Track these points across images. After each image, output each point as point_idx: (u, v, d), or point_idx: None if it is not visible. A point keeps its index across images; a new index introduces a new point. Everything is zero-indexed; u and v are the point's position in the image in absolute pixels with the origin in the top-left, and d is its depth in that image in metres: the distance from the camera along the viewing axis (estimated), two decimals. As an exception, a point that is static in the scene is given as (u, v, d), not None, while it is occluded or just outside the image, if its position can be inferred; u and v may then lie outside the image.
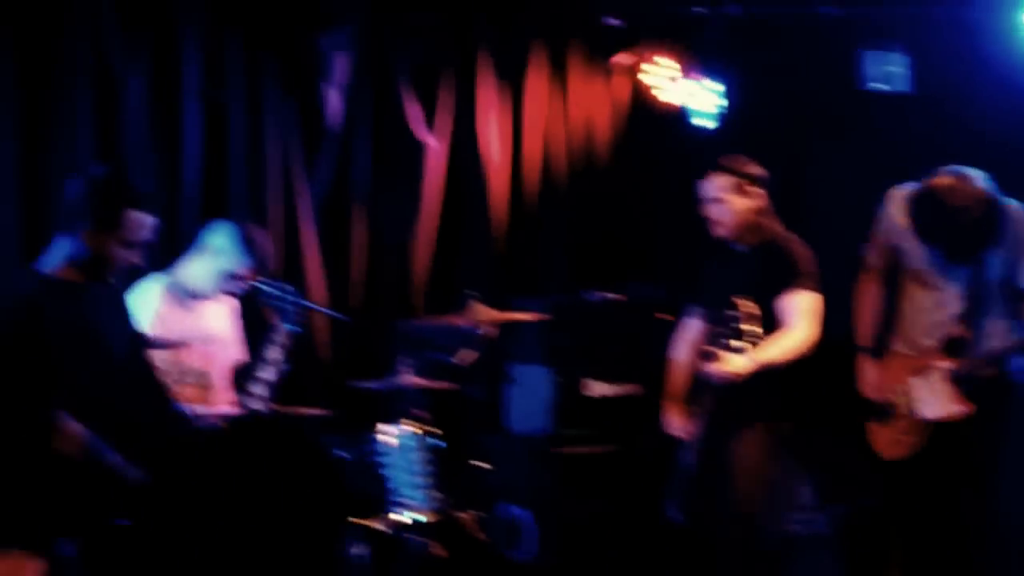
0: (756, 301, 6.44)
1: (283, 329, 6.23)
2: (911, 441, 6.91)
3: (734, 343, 6.33)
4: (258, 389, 6.02)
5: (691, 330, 6.99)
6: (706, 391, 6.62)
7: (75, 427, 5.30)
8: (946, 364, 6.82)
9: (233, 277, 6.70)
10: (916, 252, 6.94)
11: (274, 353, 6.11)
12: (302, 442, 6.38)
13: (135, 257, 5.51)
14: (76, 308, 5.43)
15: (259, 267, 6.74)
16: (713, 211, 6.73)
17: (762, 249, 6.69)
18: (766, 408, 6.65)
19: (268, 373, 6.05)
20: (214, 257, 6.72)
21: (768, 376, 6.51)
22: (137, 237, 5.47)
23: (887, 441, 7.03)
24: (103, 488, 5.36)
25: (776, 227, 6.75)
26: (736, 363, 6.41)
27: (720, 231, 6.73)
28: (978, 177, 6.62)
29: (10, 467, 5.37)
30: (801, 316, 6.51)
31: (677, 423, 6.83)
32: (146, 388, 5.70)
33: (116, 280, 5.65)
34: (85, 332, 5.44)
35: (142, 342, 5.83)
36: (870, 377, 7.05)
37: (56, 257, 5.49)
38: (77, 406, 5.33)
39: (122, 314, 5.78)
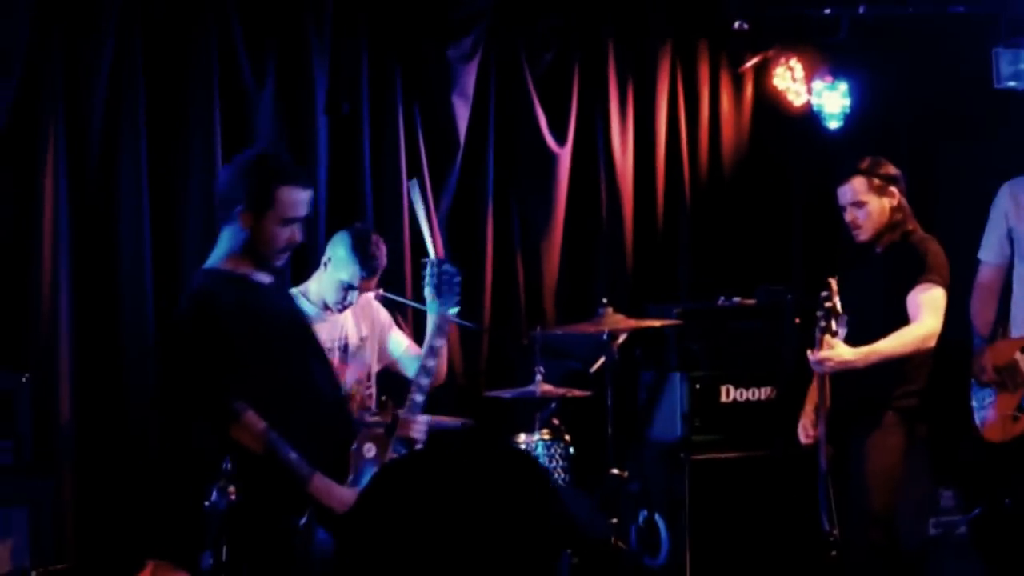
0: (890, 298, 6.49)
1: (437, 335, 6.19)
2: (1021, 420, 6.89)
3: (832, 324, 6.33)
4: (419, 398, 5.98)
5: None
6: (821, 385, 6.60)
7: (254, 418, 5.34)
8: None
9: (350, 287, 6.71)
10: None
11: (430, 361, 6.07)
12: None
13: (296, 235, 5.54)
14: (252, 301, 5.47)
15: (374, 275, 6.75)
16: (853, 216, 6.73)
17: (896, 247, 6.70)
18: (895, 402, 6.61)
19: (425, 380, 6.03)
20: (332, 268, 6.73)
21: (894, 369, 6.54)
22: (293, 213, 5.50)
23: (995, 425, 7.04)
24: (280, 484, 5.38)
25: (914, 226, 6.74)
26: (841, 352, 6.42)
27: (861, 236, 6.74)
28: None
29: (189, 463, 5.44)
30: (925, 310, 6.51)
31: (806, 430, 6.83)
32: (327, 388, 5.70)
33: (282, 264, 5.68)
34: (262, 325, 5.47)
35: (313, 336, 5.84)
36: (980, 361, 7.04)
37: (220, 250, 5.54)
38: (256, 399, 5.35)
39: (297, 312, 5.86)
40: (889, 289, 6.56)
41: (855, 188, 6.69)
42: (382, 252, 6.77)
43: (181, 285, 7.25)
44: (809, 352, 6.55)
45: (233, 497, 5.77)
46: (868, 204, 6.68)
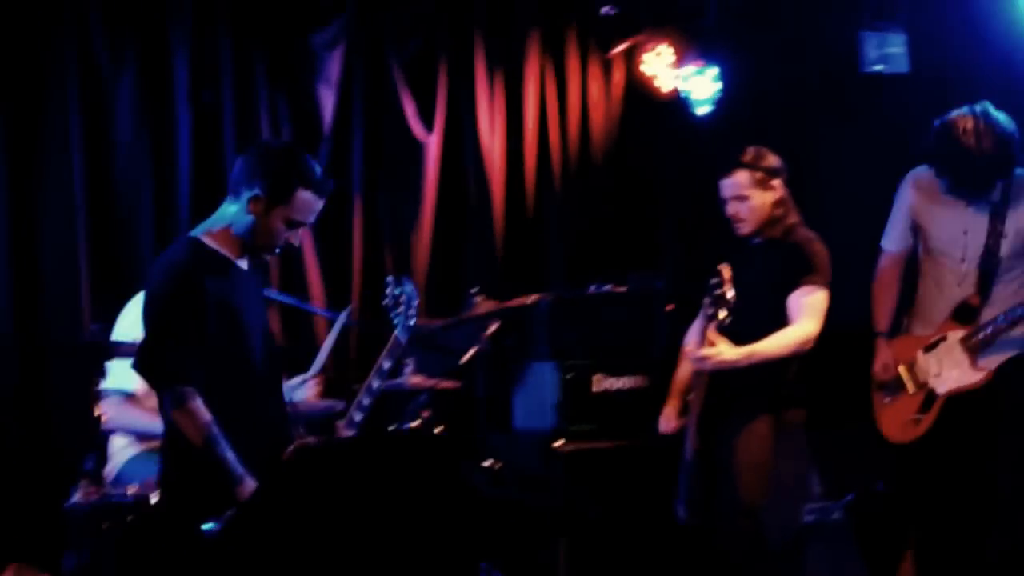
0: (770, 296, 6.53)
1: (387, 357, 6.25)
2: (922, 422, 6.88)
3: (720, 314, 6.31)
4: (357, 417, 6.06)
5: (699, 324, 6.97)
6: (698, 380, 6.64)
7: (202, 409, 5.23)
8: (958, 332, 6.82)
9: None
10: (937, 221, 6.94)
11: (376, 380, 6.15)
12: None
13: (293, 239, 5.52)
14: (229, 287, 5.41)
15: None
16: (735, 209, 6.74)
17: (780, 244, 6.72)
18: (767, 400, 6.67)
19: (367, 400, 6.13)
20: None
21: (769, 369, 6.58)
22: (303, 218, 5.49)
23: (896, 425, 7.02)
24: (209, 481, 5.26)
25: (796, 220, 6.78)
26: (723, 351, 6.45)
27: (743, 229, 6.75)
28: (997, 116, 6.64)
29: None
30: (806, 313, 6.56)
31: (668, 420, 6.90)
32: (272, 390, 5.65)
33: (267, 258, 5.72)
34: (232, 315, 5.40)
35: (273, 337, 5.81)
36: (882, 358, 7.03)
37: (215, 224, 5.47)
38: (210, 388, 5.27)
39: (261, 306, 5.75)
40: (771, 286, 6.58)
41: (738, 182, 6.69)
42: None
43: (40, 279, 7.17)
44: (690, 347, 6.60)
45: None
46: (751, 198, 6.69)
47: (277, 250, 5.56)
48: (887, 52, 8.24)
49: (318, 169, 5.58)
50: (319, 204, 5.53)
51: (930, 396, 6.89)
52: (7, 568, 6.29)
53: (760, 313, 6.57)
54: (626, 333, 7.90)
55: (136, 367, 5.39)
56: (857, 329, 7.21)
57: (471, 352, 7.24)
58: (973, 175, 6.75)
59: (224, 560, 5.22)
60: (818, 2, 8.56)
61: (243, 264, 5.51)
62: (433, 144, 8.48)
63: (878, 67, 8.25)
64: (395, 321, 6.25)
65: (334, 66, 8.14)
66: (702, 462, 6.70)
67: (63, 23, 7.26)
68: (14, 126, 7.16)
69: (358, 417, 6.02)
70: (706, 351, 6.46)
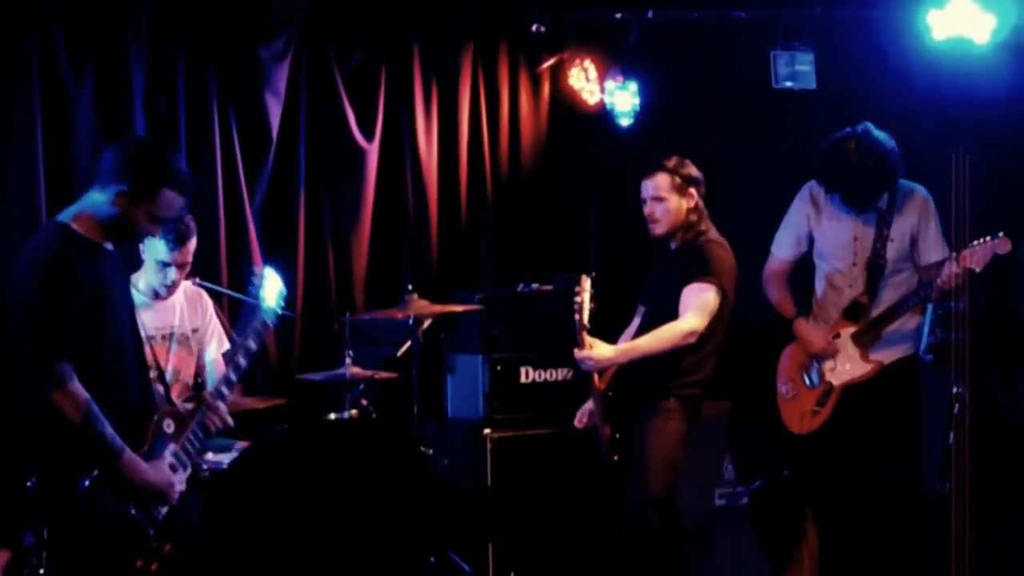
0: (675, 295, 6.70)
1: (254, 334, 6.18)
2: (819, 414, 7.17)
3: (580, 317, 6.64)
4: (224, 389, 5.97)
5: (632, 327, 7.23)
6: (588, 379, 6.89)
7: (79, 388, 5.29)
8: (850, 328, 7.10)
9: (164, 265, 6.77)
10: (828, 230, 7.22)
11: (243, 358, 6.07)
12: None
13: (155, 232, 5.60)
14: (98, 270, 5.44)
15: (182, 244, 6.79)
16: (651, 209, 6.92)
17: (687, 247, 6.91)
18: (676, 391, 6.84)
19: (234, 376, 6.03)
20: (146, 251, 6.78)
21: (676, 361, 6.79)
22: (166, 215, 5.54)
23: (796, 417, 7.30)
24: (91, 455, 5.33)
25: (707, 227, 6.95)
26: (601, 351, 6.73)
27: (657, 229, 6.93)
28: (877, 135, 6.96)
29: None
30: (691, 309, 6.74)
31: (580, 417, 7.13)
32: (139, 365, 5.68)
33: (124, 250, 5.73)
34: (102, 296, 5.44)
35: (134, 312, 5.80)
36: (810, 334, 7.26)
37: (82, 209, 5.51)
38: (83, 368, 5.33)
39: (127, 285, 5.82)
40: (676, 285, 6.77)
41: (658, 184, 6.89)
42: (189, 226, 6.80)
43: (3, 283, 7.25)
44: (575, 350, 6.81)
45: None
46: (668, 201, 6.88)
47: (139, 241, 5.70)
48: (796, 70, 8.34)
49: (183, 168, 5.67)
50: (182, 201, 5.56)
51: (827, 390, 7.18)
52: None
53: (670, 312, 6.77)
54: (552, 329, 7.91)
55: (13, 353, 5.43)
56: (766, 328, 7.48)
57: (406, 345, 7.37)
58: (859, 189, 7.03)
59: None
60: (732, 23, 8.67)
61: (108, 246, 5.54)
62: (373, 151, 8.57)
63: (788, 83, 8.37)
64: (261, 305, 6.22)
65: (281, 77, 8.21)
66: (617, 451, 6.96)
67: (27, 34, 7.31)
68: None
69: (226, 391, 5.95)
70: (584, 352, 6.74)
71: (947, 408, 7.04)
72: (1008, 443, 7.92)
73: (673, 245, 6.97)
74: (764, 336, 7.47)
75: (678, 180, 6.88)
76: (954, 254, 6.82)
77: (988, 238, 6.75)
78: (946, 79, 8.04)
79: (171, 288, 6.88)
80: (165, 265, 6.77)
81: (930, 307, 7.26)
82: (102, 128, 7.60)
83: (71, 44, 7.51)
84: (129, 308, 5.70)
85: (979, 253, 6.74)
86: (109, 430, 5.34)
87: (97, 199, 5.49)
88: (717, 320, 6.81)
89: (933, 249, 7.10)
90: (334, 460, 5.51)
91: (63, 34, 7.49)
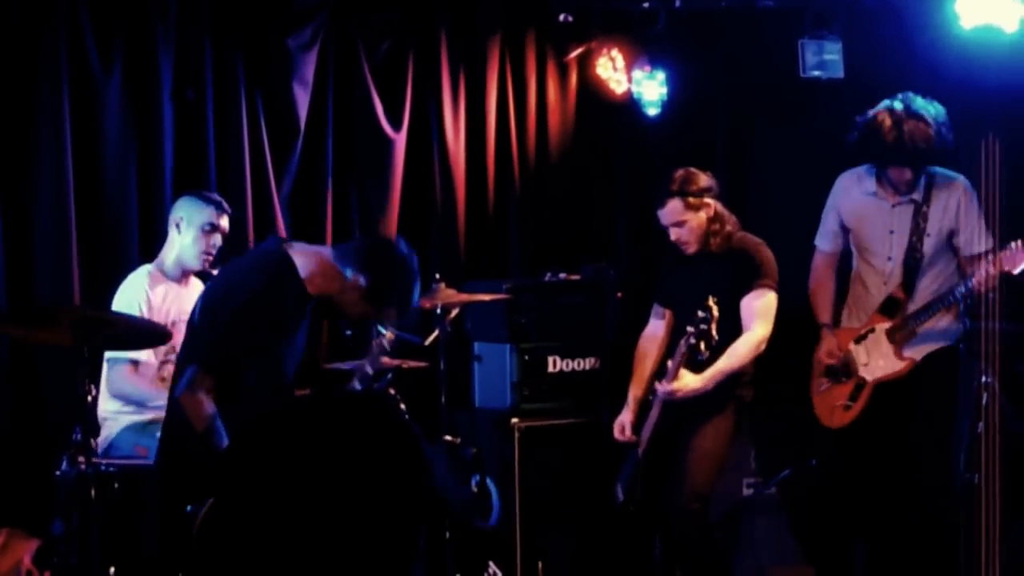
0: (723, 303, 6.53)
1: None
2: (852, 408, 7.00)
3: (702, 347, 6.43)
4: None
5: (658, 330, 7.10)
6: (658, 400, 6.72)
7: (208, 404, 5.40)
8: (885, 324, 6.92)
9: (211, 229, 6.79)
10: (864, 222, 7.04)
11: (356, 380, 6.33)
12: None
13: (353, 327, 5.81)
14: (296, 316, 5.57)
15: (226, 213, 6.87)
16: (677, 235, 6.80)
17: (728, 253, 6.78)
18: (731, 398, 6.78)
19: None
20: (186, 224, 6.76)
21: (727, 379, 6.67)
22: (374, 321, 5.84)
23: (829, 410, 7.13)
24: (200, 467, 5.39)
25: (735, 228, 6.84)
26: (688, 383, 6.57)
27: (689, 249, 6.82)
28: (921, 105, 6.74)
29: None
30: (758, 317, 6.65)
31: (623, 430, 6.95)
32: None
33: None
34: (284, 341, 5.58)
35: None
36: (827, 346, 7.12)
37: (319, 261, 5.64)
38: (229, 394, 5.44)
39: (303, 344, 5.90)
40: (722, 291, 6.59)
41: (672, 211, 6.75)
42: (224, 201, 6.92)
43: (32, 266, 7.21)
44: (660, 384, 6.64)
45: (82, 466, 5.76)
46: (688, 222, 6.75)
47: (335, 320, 5.70)
48: (824, 59, 8.28)
49: (416, 296, 5.74)
50: (396, 320, 5.82)
51: (860, 384, 7.02)
52: (0, 533, 6.34)
53: (728, 318, 6.61)
54: (580, 318, 7.93)
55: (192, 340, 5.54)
56: (797, 318, 7.32)
57: (434, 334, 7.28)
58: (898, 161, 6.84)
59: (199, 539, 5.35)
60: (760, 13, 8.60)
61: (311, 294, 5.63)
62: (400, 141, 8.50)
63: (816, 72, 8.31)
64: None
65: (309, 67, 8.14)
66: (652, 461, 6.83)
67: (56, 27, 7.25)
68: (9, 123, 7.17)
69: None
70: (675, 385, 6.57)
71: (976, 398, 6.87)
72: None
73: (704, 252, 6.83)
74: (796, 325, 7.30)
75: (689, 199, 6.74)
76: (991, 255, 6.61)
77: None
78: (975, 68, 7.91)
79: (213, 255, 6.85)
80: (213, 228, 6.81)
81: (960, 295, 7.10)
82: (130, 117, 7.57)
83: (99, 33, 7.46)
84: (298, 359, 5.82)
85: (1020, 256, 6.55)
86: (226, 442, 5.40)
87: (337, 264, 5.63)
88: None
89: (975, 240, 6.90)
90: (330, 435, 5.43)
91: (91, 22, 7.43)
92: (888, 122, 6.75)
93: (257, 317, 5.44)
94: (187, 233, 6.77)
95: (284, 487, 5.28)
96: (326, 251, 5.80)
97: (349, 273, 5.56)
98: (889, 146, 6.75)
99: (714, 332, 6.43)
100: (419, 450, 5.53)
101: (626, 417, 6.95)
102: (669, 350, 6.84)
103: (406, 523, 5.43)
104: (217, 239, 6.83)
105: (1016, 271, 6.58)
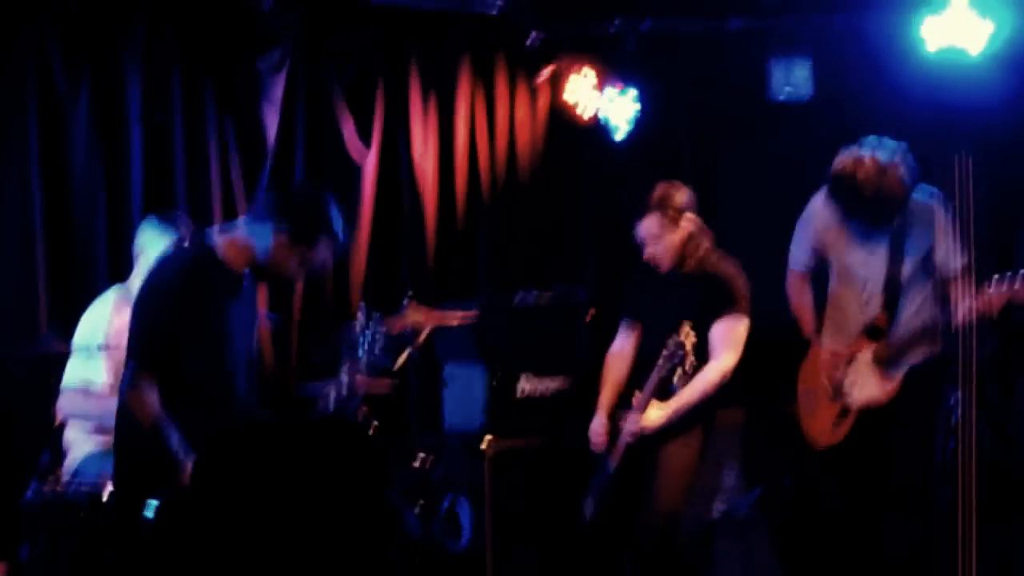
0: (694, 326, 6.49)
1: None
2: (840, 426, 6.99)
3: (676, 375, 6.42)
4: None
5: (626, 345, 7.07)
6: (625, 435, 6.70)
7: (153, 399, 5.34)
8: (868, 348, 6.90)
9: None
10: (840, 247, 7.01)
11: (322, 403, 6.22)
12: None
13: (299, 276, 5.70)
14: (227, 300, 5.49)
15: (181, 236, 6.68)
16: (652, 251, 6.76)
17: (699, 275, 6.75)
18: (700, 420, 6.74)
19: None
20: (144, 254, 6.67)
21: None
22: (315, 262, 5.63)
23: (816, 429, 7.11)
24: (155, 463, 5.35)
25: (708, 247, 6.80)
26: (652, 417, 6.57)
27: (663, 266, 6.78)
28: (890, 152, 6.67)
29: None
30: (727, 346, 6.62)
31: (598, 435, 6.89)
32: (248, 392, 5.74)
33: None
34: (222, 327, 5.48)
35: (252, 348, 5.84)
36: (825, 353, 7.08)
37: (238, 234, 5.58)
38: (174, 385, 5.37)
39: (254, 316, 5.82)
40: (692, 312, 6.56)
41: (649, 226, 6.72)
42: (180, 217, 6.82)
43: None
44: (626, 419, 6.64)
45: (49, 492, 5.72)
46: (664, 239, 6.72)
47: (279, 281, 5.67)
48: (793, 79, 8.31)
49: (340, 219, 5.67)
50: (332, 251, 5.65)
51: (845, 410, 6.96)
52: (-36, 558, 6.30)
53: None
54: (550, 339, 7.89)
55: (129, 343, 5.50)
56: (766, 339, 7.32)
57: (404, 355, 7.26)
58: (872, 211, 6.82)
59: (163, 541, 5.30)
60: (728, 34, 8.60)
61: (245, 271, 5.60)
62: (370, 162, 8.50)
63: (786, 90, 8.33)
64: (359, 351, 6.33)
65: (278, 88, 8.13)
66: (622, 476, 6.80)
67: (22, 50, 7.23)
68: None
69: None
70: (640, 424, 6.57)
71: (947, 416, 6.88)
72: (1006, 448, 7.75)
73: (676, 271, 6.80)
74: (779, 345, 7.30)
75: (670, 213, 6.70)
76: (974, 290, 6.59)
77: (1010, 279, 6.53)
78: (942, 88, 7.94)
79: None
80: None
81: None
82: (98, 140, 7.55)
83: (66, 56, 7.44)
84: (248, 339, 5.75)
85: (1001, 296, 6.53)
86: (176, 437, 5.35)
87: (254, 230, 5.57)
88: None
89: (951, 256, 6.87)
90: (297, 456, 5.41)
91: (59, 46, 7.42)
92: (860, 175, 6.68)
93: (175, 304, 5.39)
94: (148, 260, 6.68)
95: (249, 505, 5.24)
96: (240, 221, 5.77)
97: (270, 227, 5.51)
98: (866, 200, 6.72)
99: (688, 363, 6.41)
100: (382, 471, 5.51)
101: (599, 421, 6.90)
102: (639, 365, 6.83)
103: (366, 541, 5.38)
104: None
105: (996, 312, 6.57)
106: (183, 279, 5.45)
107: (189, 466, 5.32)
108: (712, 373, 6.60)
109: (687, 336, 6.39)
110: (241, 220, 5.68)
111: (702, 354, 6.64)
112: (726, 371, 6.63)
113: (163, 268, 5.61)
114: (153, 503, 5.28)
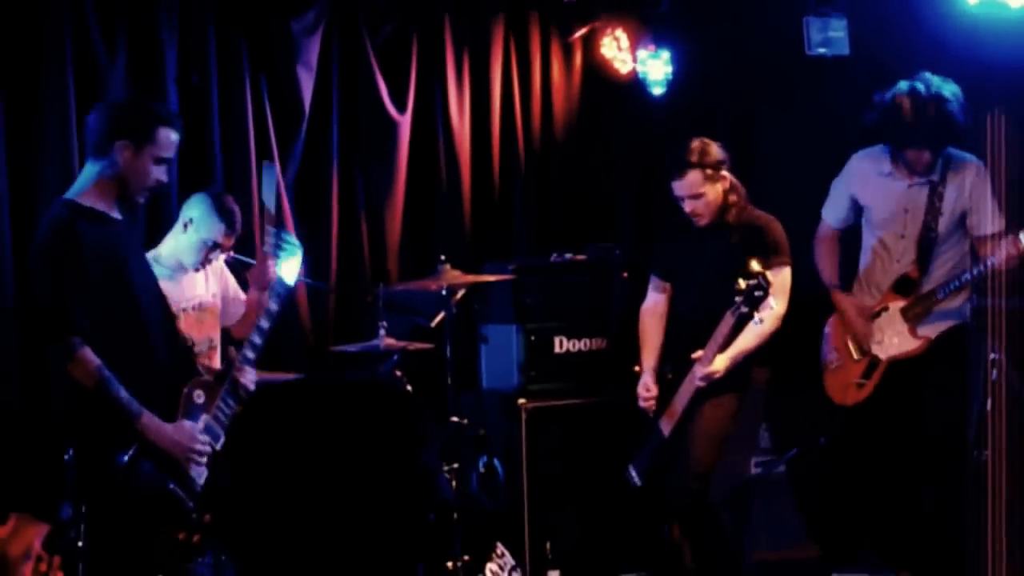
0: (734, 277, 6.43)
1: (273, 295, 6.11)
2: (865, 386, 6.98)
3: (756, 314, 6.36)
4: (250, 354, 5.93)
5: (659, 303, 7.07)
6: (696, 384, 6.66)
7: (90, 355, 5.32)
8: (899, 303, 6.89)
9: (214, 246, 6.65)
10: (880, 197, 7.00)
11: (265, 320, 6.02)
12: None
13: (163, 175, 5.62)
14: (107, 239, 5.45)
15: (235, 233, 6.71)
16: (692, 206, 6.75)
17: (737, 227, 6.75)
18: (740, 378, 6.74)
19: (258, 339, 6.00)
20: (193, 229, 6.68)
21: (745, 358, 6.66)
22: (167, 153, 5.59)
23: (841, 388, 7.12)
24: (107, 421, 5.36)
25: (747, 203, 6.82)
26: (719, 364, 6.55)
27: (702, 222, 6.78)
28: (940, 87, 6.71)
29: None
30: (776, 295, 6.55)
31: (649, 391, 6.87)
32: (165, 334, 5.68)
33: (142, 203, 5.71)
34: (114, 265, 5.45)
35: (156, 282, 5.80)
36: (848, 306, 7.08)
37: (83, 182, 5.55)
38: (97, 334, 5.34)
39: (142, 254, 5.82)
40: (733, 265, 6.49)
41: (691, 182, 6.70)
42: (239, 213, 6.74)
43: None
44: (697, 367, 6.60)
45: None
46: (706, 195, 6.72)
47: (148, 192, 5.65)
48: (829, 36, 8.21)
49: (165, 106, 5.77)
50: (176, 137, 5.62)
51: (873, 362, 7.00)
52: (8, 518, 6.34)
53: (727, 294, 6.51)
54: (586, 299, 7.93)
55: (27, 328, 5.49)
56: (805, 296, 7.29)
57: (440, 316, 7.27)
58: (926, 142, 6.79)
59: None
60: None
61: (117, 215, 5.57)
62: (405, 123, 8.48)
63: (821, 50, 8.25)
64: (275, 255, 6.14)
65: (313, 50, 8.12)
66: (675, 439, 6.78)
67: (60, 14, 7.20)
68: (15, 107, 7.11)
69: (251, 354, 5.93)
70: (709, 369, 6.55)
71: (984, 374, 6.86)
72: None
73: (714, 226, 6.79)
74: (807, 303, 7.28)
75: (708, 171, 6.71)
76: (1011, 236, 6.58)
77: None
78: (981, 43, 7.84)
79: (207, 264, 6.75)
80: (216, 246, 6.65)
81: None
82: (135, 102, 7.47)
83: (103, 19, 7.42)
84: (148, 276, 5.71)
85: None
86: (124, 393, 5.36)
87: (96, 167, 5.57)
88: None
89: (988, 220, 6.88)
90: (332, 415, 5.42)
91: (94, 10, 7.39)
92: (908, 104, 6.73)
93: (55, 261, 5.36)
94: (191, 237, 6.65)
95: (282, 462, 5.27)
96: (85, 169, 5.68)
97: (111, 152, 5.50)
98: (910, 129, 6.73)
99: (771, 298, 6.35)
100: (416, 432, 5.52)
101: (646, 383, 6.88)
102: (673, 322, 6.83)
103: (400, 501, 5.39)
104: (217, 255, 6.74)
105: None
106: (52, 236, 5.40)
107: (143, 419, 5.37)
108: (767, 322, 6.56)
109: (766, 274, 6.31)
110: (86, 166, 5.62)
111: None
112: (779, 318, 6.64)
113: (37, 236, 5.56)
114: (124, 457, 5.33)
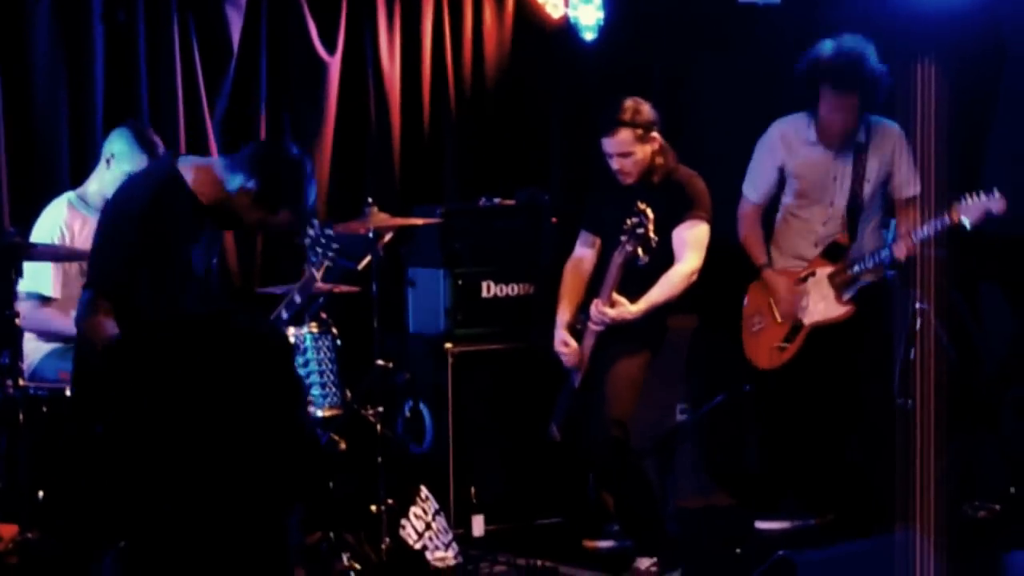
0: (657, 231, 6.49)
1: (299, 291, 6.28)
2: (787, 350, 7.05)
3: (640, 252, 6.40)
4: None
5: (585, 257, 7.08)
6: (591, 327, 6.72)
7: (111, 325, 5.35)
8: (827, 269, 6.95)
9: None
10: (806, 164, 7.07)
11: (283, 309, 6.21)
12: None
13: (253, 235, 5.59)
14: (187, 224, 5.49)
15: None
16: (620, 164, 6.77)
17: (662, 184, 6.78)
18: (646, 331, 6.77)
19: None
20: (116, 163, 6.63)
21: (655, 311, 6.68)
22: (273, 228, 5.74)
23: (763, 351, 7.22)
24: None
25: (674, 162, 6.83)
26: (625, 310, 6.56)
27: (628, 180, 6.79)
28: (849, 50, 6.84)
29: None
30: (690, 248, 6.65)
31: (568, 345, 6.90)
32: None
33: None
34: (180, 255, 5.48)
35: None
36: (778, 285, 7.13)
37: (208, 170, 5.61)
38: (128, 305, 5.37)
39: (216, 245, 5.87)
40: (658, 225, 6.54)
41: (622, 140, 6.73)
42: (161, 144, 6.75)
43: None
44: (595, 304, 6.65)
45: (10, 390, 5.69)
46: (635, 153, 6.74)
47: (233, 231, 5.68)
48: None
49: (311, 195, 5.71)
50: (295, 225, 5.74)
51: (795, 326, 7.07)
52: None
53: (660, 249, 6.59)
54: (514, 243, 7.94)
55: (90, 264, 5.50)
56: (730, 249, 7.33)
57: (367, 259, 7.24)
58: (842, 85, 6.86)
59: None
60: None
61: (206, 223, 5.61)
62: (335, 65, 8.42)
63: None
64: (312, 259, 6.26)
65: None
66: (586, 388, 6.86)
67: None
68: None
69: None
70: (610, 312, 6.59)
71: (909, 324, 6.92)
72: (970, 357, 7.80)
73: (645, 184, 6.80)
74: (734, 254, 7.32)
75: (639, 131, 6.74)
76: (945, 215, 6.69)
77: (983, 195, 6.62)
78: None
79: None
80: None
81: (892, 223, 7.15)
82: (60, 40, 7.46)
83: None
84: (208, 267, 5.74)
85: (973, 209, 6.63)
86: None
87: (228, 173, 5.58)
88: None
89: (907, 183, 7.01)
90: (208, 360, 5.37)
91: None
92: (835, 48, 6.84)
93: (142, 229, 5.40)
94: (115, 171, 6.63)
95: (161, 402, 5.21)
96: (217, 161, 5.78)
97: (240, 179, 5.53)
98: (839, 69, 6.80)
99: (651, 233, 6.40)
100: (296, 389, 5.50)
101: (561, 337, 6.92)
102: (597, 276, 6.84)
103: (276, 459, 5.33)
104: None
105: (971, 224, 6.63)
106: (152, 200, 5.44)
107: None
108: (678, 274, 6.64)
109: (646, 211, 6.38)
110: (217, 158, 5.70)
111: (667, 261, 6.67)
112: (692, 272, 6.67)
113: (133, 186, 5.60)
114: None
